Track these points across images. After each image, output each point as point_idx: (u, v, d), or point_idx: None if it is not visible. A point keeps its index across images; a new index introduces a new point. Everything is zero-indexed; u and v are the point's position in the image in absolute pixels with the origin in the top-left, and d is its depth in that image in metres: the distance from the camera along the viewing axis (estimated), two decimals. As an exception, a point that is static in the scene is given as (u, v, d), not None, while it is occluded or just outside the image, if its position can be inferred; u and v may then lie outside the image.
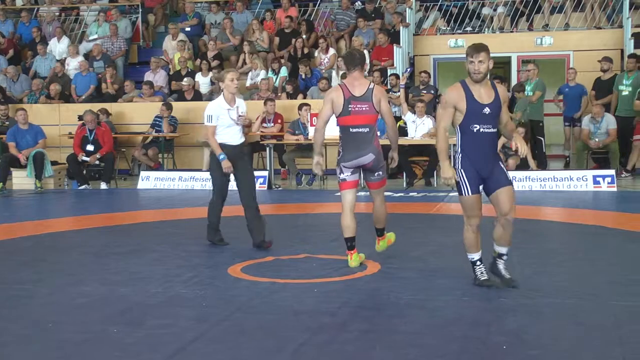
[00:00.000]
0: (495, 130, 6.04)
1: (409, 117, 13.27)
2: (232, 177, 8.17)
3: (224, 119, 7.92)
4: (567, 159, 14.69)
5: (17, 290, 6.49)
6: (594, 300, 5.80)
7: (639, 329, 5.15)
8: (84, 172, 13.91)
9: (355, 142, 6.93)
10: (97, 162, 13.82)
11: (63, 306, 5.98)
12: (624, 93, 13.80)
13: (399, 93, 14.71)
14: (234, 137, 8.02)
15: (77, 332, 5.33)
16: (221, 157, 7.93)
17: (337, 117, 7.00)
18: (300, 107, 13.81)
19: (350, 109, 6.88)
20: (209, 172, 8.44)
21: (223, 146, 7.95)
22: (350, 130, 6.94)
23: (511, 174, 12.21)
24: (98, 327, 5.38)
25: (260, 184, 13.01)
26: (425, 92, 14.67)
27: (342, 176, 7.08)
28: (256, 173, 13.02)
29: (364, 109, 6.88)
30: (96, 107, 14.79)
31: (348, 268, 7.03)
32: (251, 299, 6.05)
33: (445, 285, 6.36)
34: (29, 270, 7.25)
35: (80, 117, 14.31)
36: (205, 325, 5.37)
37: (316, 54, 16.32)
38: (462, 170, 6.10)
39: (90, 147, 13.74)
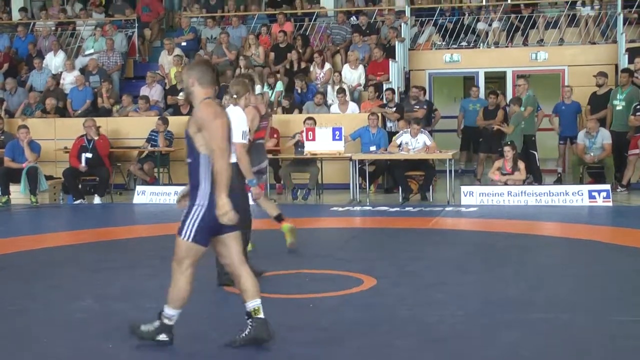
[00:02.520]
0: (190, 161, 5.08)
1: (402, 138, 13.24)
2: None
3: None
4: (559, 175, 14.70)
5: (11, 305, 6.46)
6: (590, 315, 5.81)
7: (634, 343, 5.15)
8: (79, 186, 13.90)
9: (261, 151, 7.94)
10: (93, 177, 13.82)
11: (57, 321, 5.97)
12: (617, 108, 13.82)
13: (394, 108, 14.76)
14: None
15: (71, 347, 5.32)
16: (254, 182, 7.06)
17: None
18: (304, 122, 13.75)
19: (262, 125, 7.96)
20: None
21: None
22: (257, 142, 7.91)
23: (505, 189, 12.40)
24: (93, 343, 5.36)
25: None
26: (417, 107, 14.69)
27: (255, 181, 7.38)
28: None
29: (265, 125, 8.15)
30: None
31: (343, 283, 7.02)
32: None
33: (440, 300, 6.36)
34: (23, 286, 7.23)
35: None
36: (199, 341, 5.36)
37: (311, 68, 16.35)
38: None
39: (88, 155, 13.75)
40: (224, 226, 5.09)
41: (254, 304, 5.18)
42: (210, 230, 5.14)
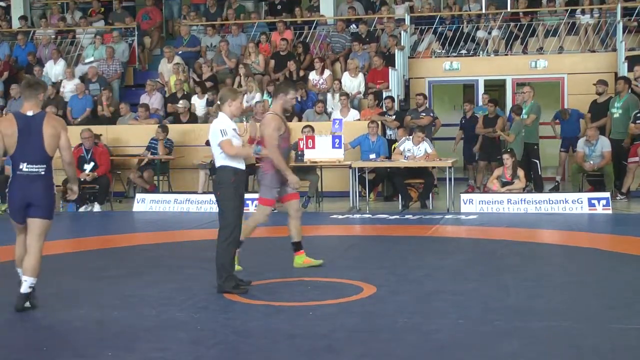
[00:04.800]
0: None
1: (404, 146, 13.25)
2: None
3: (234, 139, 7.00)
4: (557, 183, 14.67)
5: (10, 313, 6.45)
6: (590, 323, 5.80)
7: (635, 352, 5.14)
8: (80, 193, 13.87)
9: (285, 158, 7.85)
10: (93, 185, 13.80)
11: (57, 329, 5.96)
12: (615, 116, 13.82)
13: (394, 116, 14.77)
14: (242, 160, 7.12)
15: (71, 356, 5.31)
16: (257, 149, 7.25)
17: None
18: (302, 130, 13.76)
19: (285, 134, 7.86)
20: (218, 203, 7.09)
21: (235, 171, 6.99)
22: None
23: (505, 196, 12.39)
24: (92, 351, 5.35)
25: (255, 206, 12.98)
26: (424, 114, 14.68)
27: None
28: (251, 195, 13.09)
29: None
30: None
31: (343, 291, 7.01)
32: (246, 322, 6.03)
33: (440, 308, 6.35)
34: (23, 293, 7.20)
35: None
36: (200, 348, 5.35)
37: (310, 76, 16.36)
38: None
39: (87, 167, 13.76)
40: (28, 211, 6.50)
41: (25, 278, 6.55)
42: (13, 209, 6.59)
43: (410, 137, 13.35)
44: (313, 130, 13.68)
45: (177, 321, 6.09)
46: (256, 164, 13.75)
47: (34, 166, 6.39)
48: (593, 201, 12.19)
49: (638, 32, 16.95)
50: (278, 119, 7.76)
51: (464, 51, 17.42)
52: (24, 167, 6.38)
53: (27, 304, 6.49)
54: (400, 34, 17.11)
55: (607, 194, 12.41)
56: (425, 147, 13.14)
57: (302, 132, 13.68)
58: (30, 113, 6.52)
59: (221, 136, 6.95)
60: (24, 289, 6.48)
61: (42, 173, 6.41)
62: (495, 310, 6.23)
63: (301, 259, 8.09)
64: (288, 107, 7.79)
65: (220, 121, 7.09)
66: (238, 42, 17.99)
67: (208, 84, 16.49)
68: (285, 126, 7.77)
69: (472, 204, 12.54)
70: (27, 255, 6.60)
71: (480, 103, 16.03)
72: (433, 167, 13.43)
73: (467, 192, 13.67)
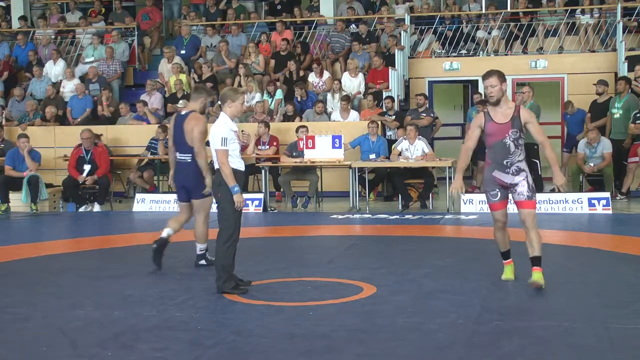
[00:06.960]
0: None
1: (402, 145, 13.26)
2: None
3: (234, 143, 6.99)
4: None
5: (10, 313, 6.46)
6: (590, 323, 5.79)
7: (635, 352, 5.14)
8: (79, 193, 13.89)
9: (497, 153, 7.54)
10: (93, 185, 13.79)
11: (57, 329, 5.95)
12: (615, 116, 13.82)
13: (393, 116, 14.78)
14: (241, 160, 7.13)
15: (71, 355, 5.31)
16: (236, 189, 6.86)
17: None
18: (297, 130, 13.82)
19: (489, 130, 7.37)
20: (218, 204, 7.07)
21: (236, 172, 6.95)
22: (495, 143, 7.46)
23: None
24: (92, 351, 5.36)
25: (256, 206, 13.02)
26: (424, 115, 14.68)
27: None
28: (252, 195, 13.12)
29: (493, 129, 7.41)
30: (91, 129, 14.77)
31: (343, 291, 7.01)
32: (246, 322, 6.03)
33: (440, 308, 6.35)
34: (22, 294, 7.22)
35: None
36: (199, 348, 5.35)
37: (310, 78, 16.36)
38: None
39: (87, 167, 13.75)
40: (188, 194, 8.08)
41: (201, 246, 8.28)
42: (176, 189, 8.20)
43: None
44: (307, 130, 13.68)
45: (177, 321, 6.10)
46: (256, 164, 13.85)
47: (183, 155, 7.88)
48: (593, 201, 12.19)
49: (638, 32, 16.95)
50: (479, 116, 7.38)
51: (464, 51, 17.42)
52: (178, 155, 7.92)
53: (203, 262, 8.18)
54: (400, 34, 17.10)
55: (607, 194, 12.41)
56: (422, 146, 13.13)
57: (296, 132, 13.71)
58: (183, 112, 7.91)
59: (221, 145, 6.91)
60: (197, 250, 8.23)
61: (189, 160, 7.83)
62: (495, 309, 6.23)
63: (509, 271, 7.55)
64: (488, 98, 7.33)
65: (221, 125, 7.00)
66: (238, 42, 17.99)
67: (208, 84, 16.48)
68: (486, 121, 7.25)
69: (472, 204, 12.53)
70: (195, 227, 8.15)
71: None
72: (433, 167, 13.43)
73: (468, 191, 13.66)
